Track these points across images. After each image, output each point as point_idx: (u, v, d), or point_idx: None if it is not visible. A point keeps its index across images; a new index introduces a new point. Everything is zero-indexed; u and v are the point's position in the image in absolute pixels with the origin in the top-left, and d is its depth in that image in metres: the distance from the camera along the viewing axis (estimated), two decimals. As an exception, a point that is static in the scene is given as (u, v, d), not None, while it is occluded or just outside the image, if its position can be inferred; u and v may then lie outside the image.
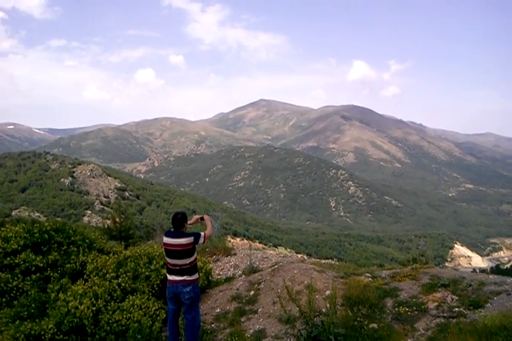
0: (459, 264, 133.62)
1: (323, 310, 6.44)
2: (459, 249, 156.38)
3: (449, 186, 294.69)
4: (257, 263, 10.40)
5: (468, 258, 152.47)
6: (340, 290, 7.24)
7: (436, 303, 6.76)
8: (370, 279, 8.12)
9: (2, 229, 9.40)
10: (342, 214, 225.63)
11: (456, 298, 6.82)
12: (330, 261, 13.15)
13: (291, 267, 8.56)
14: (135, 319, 6.53)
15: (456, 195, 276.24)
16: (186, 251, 5.68)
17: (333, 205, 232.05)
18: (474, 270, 44.43)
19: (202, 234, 5.84)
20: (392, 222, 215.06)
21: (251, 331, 6.74)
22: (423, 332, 6.12)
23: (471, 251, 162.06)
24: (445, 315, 6.39)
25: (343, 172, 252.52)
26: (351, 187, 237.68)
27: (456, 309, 6.48)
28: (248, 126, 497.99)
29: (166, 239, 5.79)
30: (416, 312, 6.65)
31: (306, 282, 7.62)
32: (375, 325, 6.36)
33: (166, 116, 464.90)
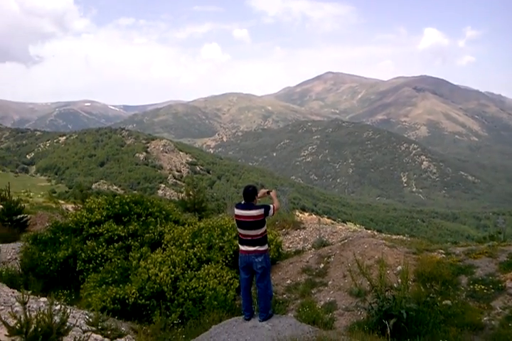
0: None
1: (395, 285, 6.41)
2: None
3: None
4: (326, 237, 10.44)
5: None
6: (411, 265, 7.15)
7: (515, 282, 6.51)
8: (443, 256, 7.92)
9: (86, 200, 10.15)
10: (414, 189, 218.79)
11: (538, 277, 6.52)
12: (401, 237, 12.89)
13: (361, 242, 8.54)
14: (210, 287, 6.87)
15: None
16: (257, 223, 5.83)
17: (404, 181, 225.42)
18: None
19: (271, 206, 5.95)
20: (468, 198, 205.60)
21: (321, 302, 6.87)
22: (500, 310, 5.94)
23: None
24: (525, 294, 6.15)
25: (416, 146, 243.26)
26: (424, 162, 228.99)
27: (537, 288, 6.21)
28: (315, 99, 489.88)
29: (238, 211, 5.96)
30: (492, 290, 6.45)
31: (376, 257, 7.59)
32: (448, 302, 6.25)
33: (232, 91, 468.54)
